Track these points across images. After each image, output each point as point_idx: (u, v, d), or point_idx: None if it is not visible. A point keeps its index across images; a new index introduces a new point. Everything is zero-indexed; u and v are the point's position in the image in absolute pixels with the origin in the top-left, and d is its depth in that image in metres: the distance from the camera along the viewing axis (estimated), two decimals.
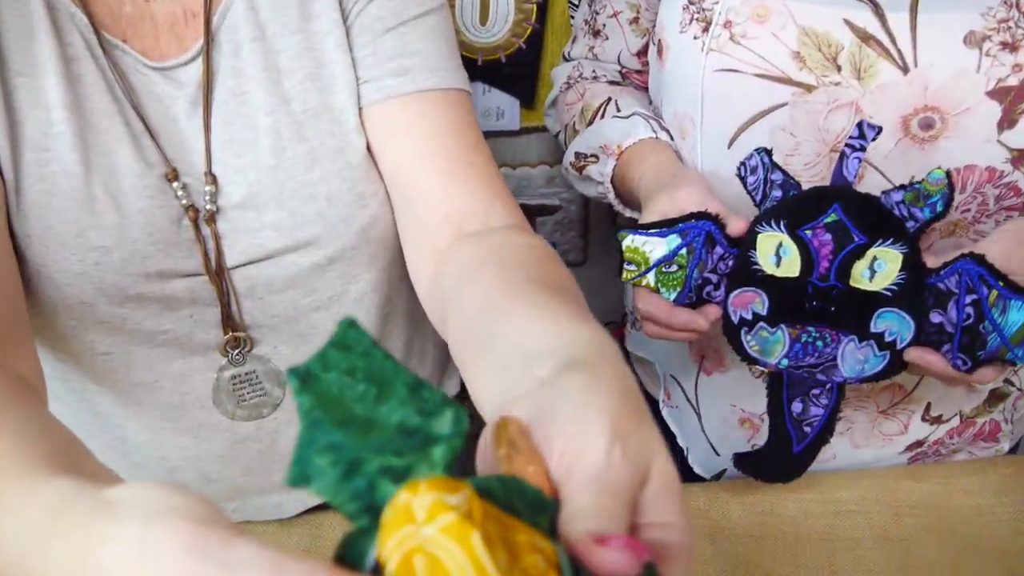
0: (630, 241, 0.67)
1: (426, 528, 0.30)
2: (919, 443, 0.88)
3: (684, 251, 0.65)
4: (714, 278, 0.67)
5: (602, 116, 0.90)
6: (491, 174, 0.72)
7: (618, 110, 0.89)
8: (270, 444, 0.82)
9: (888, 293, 0.62)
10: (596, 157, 0.87)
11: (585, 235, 1.39)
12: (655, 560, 0.34)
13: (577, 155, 0.90)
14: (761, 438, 0.87)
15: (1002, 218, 0.70)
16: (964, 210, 0.70)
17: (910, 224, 0.62)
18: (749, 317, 0.66)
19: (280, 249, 0.72)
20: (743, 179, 0.67)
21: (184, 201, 0.69)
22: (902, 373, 0.65)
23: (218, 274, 0.72)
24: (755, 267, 0.66)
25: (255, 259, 0.72)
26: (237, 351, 0.76)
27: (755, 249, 0.65)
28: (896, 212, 0.62)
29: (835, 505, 0.81)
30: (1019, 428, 0.95)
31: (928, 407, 0.84)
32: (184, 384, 0.76)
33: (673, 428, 1.08)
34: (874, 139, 0.63)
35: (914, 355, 0.62)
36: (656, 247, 0.66)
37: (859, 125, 0.63)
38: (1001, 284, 0.58)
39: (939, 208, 0.61)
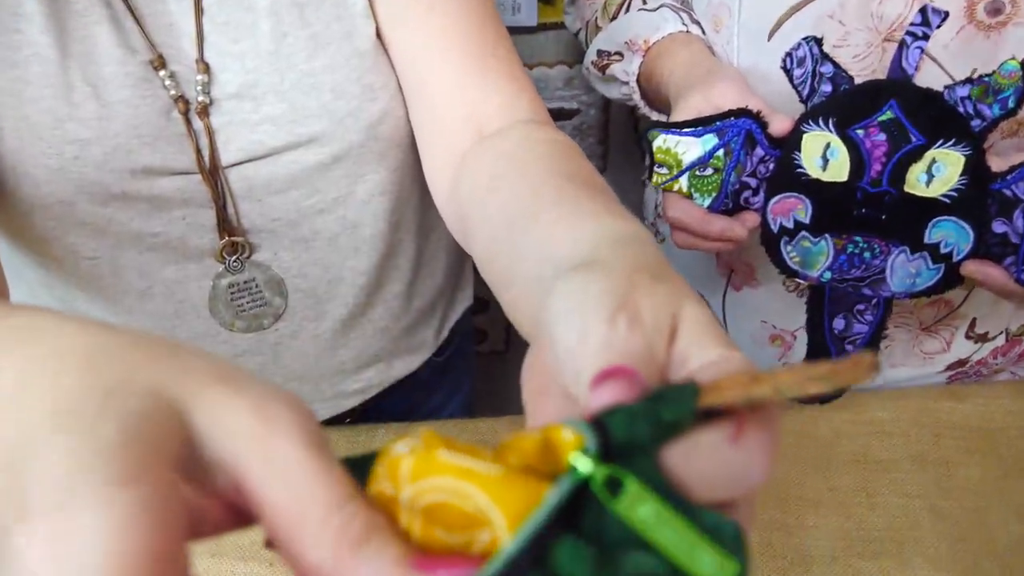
0: (662, 141, 0.61)
1: (404, 491, 0.27)
2: (961, 363, 0.83)
3: (721, 152, 0.60)
4: (753, 182, 0.61)
5: (627, 10, 0.83)
6: (515, 67, 0.65)
7: (644, 2, 0.82)
8: (272, 358, 0.78)
9: (946, 200, 0.56)
10: (620, 55, 0.81)
11: (605, 141, 1.33)
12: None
13: (600, 53, 0.83)
14: (794, 356, 0.83)
15: None
16: None
17: (975, 123, 0.56)
18: (790, 225, 0.61)
19: (280, 146, 0.66)
20: (788, 71, 0.61)
21: (173, 92, 0.63)
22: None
23: (212, 173, 0.66)
24: (799, 170, 0.60)
25: (253, 157, 0.66)
26: (235, 258, 0.71)
27: (799, 150, 0.60)
28: (960, 109, 0.56)
29: (870, 426, 0.77)
30: None
31: (973, 323, 0.79)
32: (178, 291, 0.72)
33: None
34: (939, 26, 0.57)
35: (972, 268, 0.57)
36: (690, 148, 0.60)
37: (922, 10, 0.57)
38: None
39: (1011, 104, 0.55)
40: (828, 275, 0.61)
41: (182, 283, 0.71)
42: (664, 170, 0.62)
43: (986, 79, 0.56)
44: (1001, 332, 0.81)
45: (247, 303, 0.73)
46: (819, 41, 0.61)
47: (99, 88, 0.61)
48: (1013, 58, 0.55)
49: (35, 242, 0.67)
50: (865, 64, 0.65)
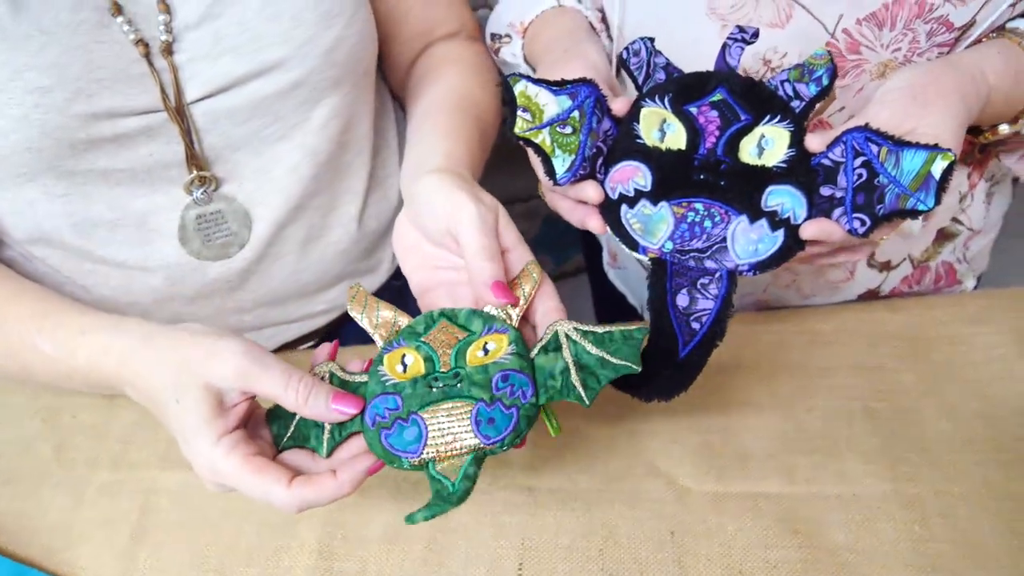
0: (523, 86, 0.61)
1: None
2: (873, 293, 0.87)
3: (576, 114, 0.60)
4: (604, 150, 0.62)
5: None
6: None
7: None
8: (239, 283, 0.80)
9: (778, 170, 0.59)
10: (509, 37, 0.81)
11: None
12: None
13: (492, 36, 0.83)
14: None
15: (934, 54, 0.67)
16: (895, 49, 0.67)
17: (796, 103, 0.59)
18: (630, 193, 0.60)
19: (243, 75, 0.68)
20: (625, 62, 0.63)
21: (132, 36, 0.65)
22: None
23: (178, 111, 0.68)
24: (638, 140, 0.61)
25: (218, 90, 0.69)
26: (202, 190, 0.73)
27: (638, 122, 0.61)
28: (781, 92, 0.60)
29: (811, 336, 0.81)
30: (977, 264, 0.95)
31: (872, 253, 0.82)
32: (148, 222, 0.74)
33: (622, 289, 1.08)
34: (753, 36, 0.61)
35: (812, 229, 0.57)
36: (548, 102, 0.60)
37: (737, 26, 0.61)
38: (890, 141, 0.55)
39: (824, 82, 0.58)
40: (669, 245, 0.59)
41: (152, 213, 0.73)
42: (528, 116, 0.60)
43: (801, 63, 0.60)
44: (904, 259, 0.85)
45: (214, 233, 0.76)
46: (652, 39, 0.64)
47: (55, 35, 0.62)
48: (821, 46, 0.60)
49: (6, 186, 0.68)
50: (742, 14, 0.68)
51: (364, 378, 0.56)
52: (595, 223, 0.62)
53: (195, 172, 0.71)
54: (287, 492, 0.53)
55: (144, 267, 0.76)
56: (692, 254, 0.59)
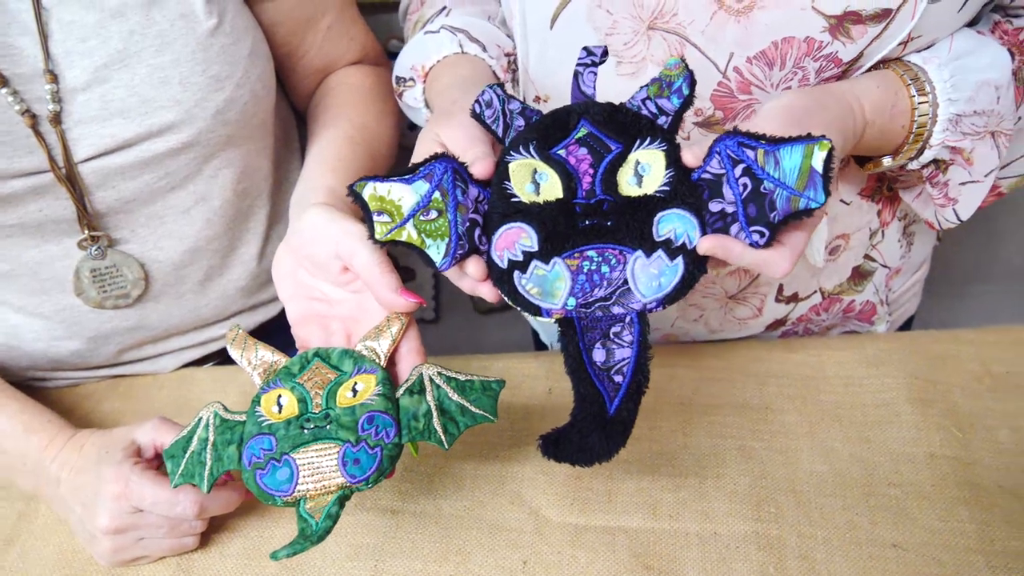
0: (372, 189, 0.57)
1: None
2: (780, 322, 0.85)
3: (437, 195, 0.57)
4: (480, 219, 0.58)
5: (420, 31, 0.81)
6: (355, 15, 0.87)
7: (438, 20, 0.79)
8: (139, 324, 0.83)
9: (662, 195, 0.56)
10: (412, 81, 0.79)
11: None
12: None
13: (397, 80, 0.81)
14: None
15: None
16: (785, 87, 0.66)
17: (662, 119, 0.57)
18: (519, 257, 0.56)
19: (132, 138, 0.70)
20: (479, 116, 0.60)
21: (18, 108, 0.67)
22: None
23: (68, 174, 0.70)
24: (514, 199, 0.57)
25: (107, 150, 0.70)
26: (96, 247, 0.75)
27: (509, 180, 0.58)
28: (644, 111, 0.58)
29: (702, 372, 0.80)
30: (899, 312, 0.93)
31: (781, 288, 0.81)
32: (42, 272, 0.76)
33: (535, 327, 1.08)
34: (602, 56, 0.58)
35: (708, 244, 0.54)
36: (404, 194, 0.57)
37: (585, 48, 0.59)
38: (763, 142, 0.53)
39: (685, 91, 0.56)
40: (572, 301, 0.56)
41: (45, 263, 0.76)
42: (385, 218, 0.57)
43: (657, 77, 0.58)
44: (814, 291, 0.83)
45: (109, 285, 0.78)
46: (502, 85, 0.62)
47: None
48: (672, 55, 0.57)
49: None
50: (635, 51, 0.67)
51: (243, 418, 0.60)
52: (486, 291, 0.59)
53: (87, 232, 0.74)
54: (193, 496, 0.65)
55: (40, 313, 0.78)
56: (597, 304, 0.56)
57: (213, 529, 0.71)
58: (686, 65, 0.57)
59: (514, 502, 0.71)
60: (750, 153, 0.53)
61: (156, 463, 0.70)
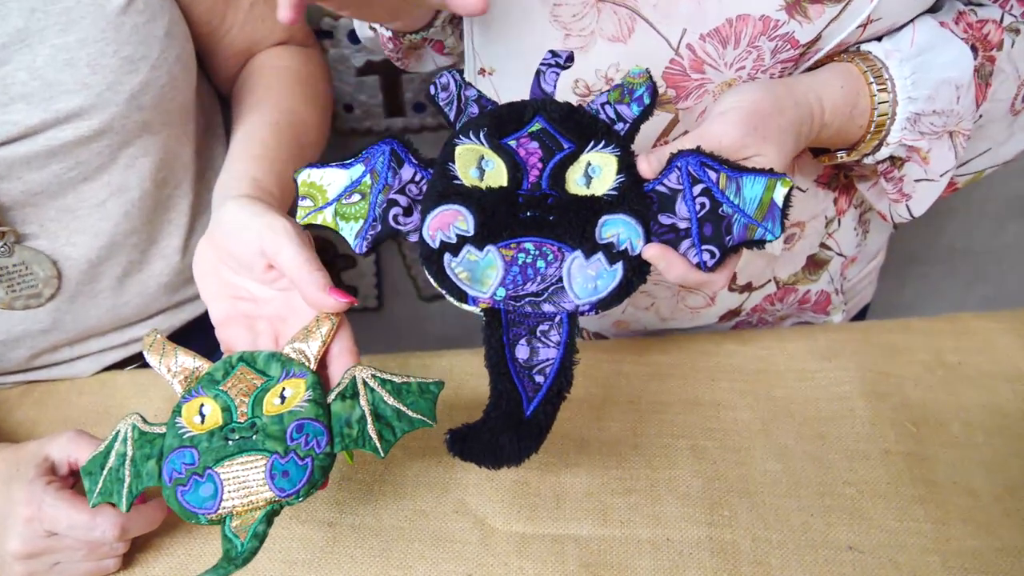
0: (306, 176, 0.57)
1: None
2: (734, 312, 0.83)
3: (368, 178, 0.56)
4: (403, 200, 0.56)
5: None
6: None
7: None
8: (52, 326, 0.77)
9: (609, 198, 0.54)
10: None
11: None
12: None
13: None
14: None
15: (777, 72, 0.64)
16: (739, 68, 0.63)
17: (620, 125, 0.56)
18: (452, 240, 0.54)
19: (36, 125, 0.65)
20: (434, 98, 0.59)
21: None
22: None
23: None
24: (456, 181, 0.55)
25: (10, 139, 0.65)
26: (2, 243, 0.69)
27: (453, 162, 0.56)
28: (602, 115, 0.56)
29: (651, 368, 0.77)
30: (855, 300, 0.91)
31: (734, 277, 0.79)
32: None
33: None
34: (567, 60, 0.57)
35: (654, 252, 0.52)
36: (336, 179, 0.57)
37: (550, 51, 0.57)
38: (726, 167, 0.52)
39: (646, 100, 0.55)
40: (502, 292, 0.53)
41: None
42: (308, 202, 0.57)
43: (619, 83, 0.56)
44: (768, 280, 0.81)
45: (18, 285, 0.72)
46: (460, 71, 0.60)
47: None
48: (637, 65, 0.56)
49: None
50: (584, 24, 0.64)
51: (163, 430, 0.55)
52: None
53: None
54: (112, 516, 0.60)
55: None
56: (528, 299, 0.53)
57: (136, 549, 0.66)
58: (650, 76, 0.55)
59: (458, 511, 0.67)
60: (712, 175, 0.52)
61: (72, 480, 0.64)
